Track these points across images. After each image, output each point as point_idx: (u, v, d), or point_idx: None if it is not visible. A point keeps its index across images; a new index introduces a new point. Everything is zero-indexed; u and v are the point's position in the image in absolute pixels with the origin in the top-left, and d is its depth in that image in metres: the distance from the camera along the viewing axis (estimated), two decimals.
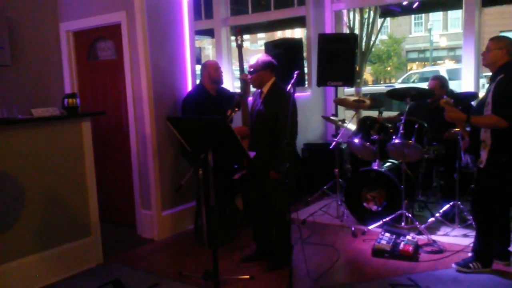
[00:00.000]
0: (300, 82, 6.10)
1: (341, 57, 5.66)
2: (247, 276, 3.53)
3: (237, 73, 4.97)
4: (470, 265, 3.50)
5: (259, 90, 3.67)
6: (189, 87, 4.66)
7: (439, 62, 26.71)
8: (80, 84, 5.03)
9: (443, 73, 13.82)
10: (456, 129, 4.04)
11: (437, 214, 4.41)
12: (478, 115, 3.46)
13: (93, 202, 3.89)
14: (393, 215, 4.33)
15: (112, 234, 4.52)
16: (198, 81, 4.54)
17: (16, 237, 3.38)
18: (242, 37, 4.63)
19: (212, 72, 4.33)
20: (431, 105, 4.81)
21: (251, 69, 3.59)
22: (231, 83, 6.82)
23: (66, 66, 5.01)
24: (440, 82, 4.81)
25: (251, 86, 4.42)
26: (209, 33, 7.62)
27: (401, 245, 3.85)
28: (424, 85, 5.50)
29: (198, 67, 4.83)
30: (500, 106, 3.27)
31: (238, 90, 4.25)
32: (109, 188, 4.83)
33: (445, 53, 28.87)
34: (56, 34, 4.98)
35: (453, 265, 3.57)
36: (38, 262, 3.51)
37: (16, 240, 3.39)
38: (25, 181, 3.42)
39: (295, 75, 3.22)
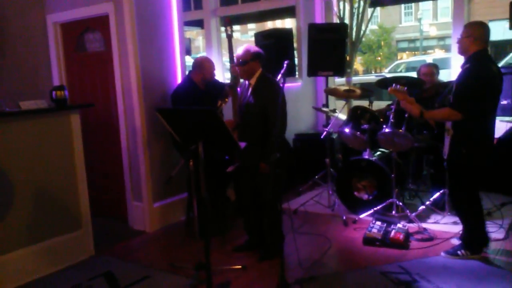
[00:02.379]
0: (290, 73, 6.09)
1: (331, 47, 5.66)
2: (239, 266, 3.54)
3: (227, 64, 4.94)
4: (459, 252, 3.54)
5: (247, 82, 3.65)
6: (179, 79, 4.63)
7: (429, 51, 26.76)
8: (68, 77, 4.98)
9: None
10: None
11: (428, 202, 4.45)
12: (443, 102, 3.46)
13: (84, 195, 3.88)
14: (384, 204, 4.36)
15: (103, 226, 4.50)
16: (187, 73, 4.51)
17: (6, 231, 3.36)
18: (232, 27, 4.60)
19: (207, 74, 4.29)
20: (422, 94, 4.82)
21: (241, 60, 3.55)
22: (221, 74, 6.79)
23: (54, 58, 4.96)
24: (435, 68, 4.82)
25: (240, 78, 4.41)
26: (199, 23, 7.56)
27: (392, 233, 3.88)
28: (412, 75, 5.51)
29: (188, 58, 4.80)
30: (457, 98, 3.28)
31: (228, 82, 4.23)
32: (99, 181, 4.81)
33: (435, 43, 28.94)
34: (43, 26, 4.92)
35: (442, 253, 3.60)
36: (30, 256, 3.50)
37: (7, 234, 3.37)
38: (14, 174, 3.40)
39: (285, 65, 3.21)
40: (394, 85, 3.64)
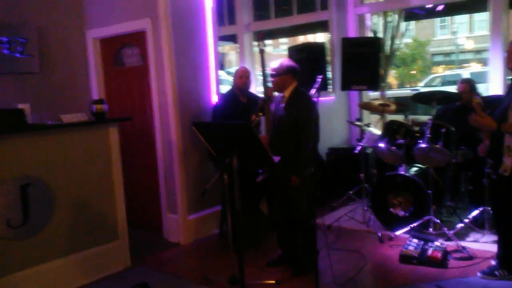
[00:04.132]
0: (323, 87, 6.07)
1: (365, 61, 5.62)
2: (273, 281, 3.52)
3: (260, 78, 4.98)
4: (496, 272, 3.41)
5: (281, 95, 3.67)
6: (213, 93, 4.70)
7: (465, 65, 26.18)
8: (107, 90, 5.12)
9: (467, 76, 13.57)
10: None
11: (466, 220, 4.32)
12: (502, 120, 3.32)
13: (121, 206, 3.95)
14: (421, 221, 4.26)
15: (139, 238, 4.56)
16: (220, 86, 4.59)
17: (46, 241, 3.46)
18: (264, 42, 4.65)
19: (236, 79, 4.38)
20: (459, 109, 4.73)
21: (274, 73, 3.60)
22: (254, 87, 6.83)
23: (93, 73, 5.11)
24: (469, 85, 4.72)
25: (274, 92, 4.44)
26: (232, 38, 7.67)
27: (429, 251, 3.79)
28: (447, 88, 5.41)
29: (221, 73, 4.87)
30: None
31: (262, 96, 4.27)
32: (136, 193, 4.89)
33: (472, 56, 28.32)
34: (83, 41, 5.10)
35: (478, 274, 3.47)
36: (67, 265, 3.58)
37: (46, 244, 3.46)
38: (54, 186, 3.50)
39: (318, 80, 3.21)
40: (478, 96, 3.55)
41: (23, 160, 3.33)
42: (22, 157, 3.32)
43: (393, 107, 4.82)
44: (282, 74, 3.57)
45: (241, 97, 4.37)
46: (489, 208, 4.21)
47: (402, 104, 4.98)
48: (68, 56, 5.01)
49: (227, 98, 4.38)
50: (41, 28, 4.73)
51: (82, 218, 3.68)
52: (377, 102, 4.95)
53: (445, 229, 4.13)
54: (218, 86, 4.77)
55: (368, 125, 4.99)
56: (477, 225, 4.33)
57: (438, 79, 17.86)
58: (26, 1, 4.66)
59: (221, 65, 6.39)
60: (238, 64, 7.27)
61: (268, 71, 3.72)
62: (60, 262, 3.54)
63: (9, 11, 4.54)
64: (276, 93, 3.75)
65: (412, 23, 25.42)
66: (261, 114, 4.10)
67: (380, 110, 4.92)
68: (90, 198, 3.74)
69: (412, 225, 4.27)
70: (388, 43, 12.70)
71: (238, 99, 4.34)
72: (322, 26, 7.06)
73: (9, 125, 3.27)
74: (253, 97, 4.59)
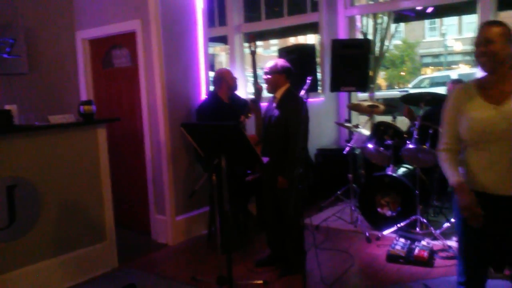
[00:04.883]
0: (313, 88, 6.10)
1: (354, 62, 5.67)
2: (261, 282, 3.53)
3: (251, 79, 5.00)
4: None
5: (273, 96, 3.70)
6: (203, 94, 4.70)
7: (453, 66, 26.44)
8: (95, 91, 5.11)
9: (456, 77, 13.69)
10: None
11: (452, 220, 4.37)
12: None
13: (109, 208, 3.94)
14: (408, 221, 4.30)
15: (127, 239, 4.55)
16: (211, 89, 4.58)
17: (32, 242, 3.44)
18: (255, 43, 4.67)
19: (230, 81, 4.38)
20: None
21: (267, 70, 3.64)
22: (244, 89, 6.85)
23: (82, 74, 5.10)
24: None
25: (263, 93, 4.46)
26: (223, 40, 7.68)
27: (416, 251, 3.83)
28: (436, 90, 5.46)
29: (211, 74, 4.87)
30: None
31: (251, 97, 4.29)
32: (124, 194, 4.88)
33: (460, 58, 28.57)
34: (72, 42, 5.08)
35: None
36: (54, 267, 3.56)
37: (33, 245, 3.44)
38: (41, 187, 3.48)
39: (308, 81, 3.23)
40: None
41: (10, 161, 3.31)
42: (8, 158, 3.30)
43: (381, 108, 4.86)
44: (275, 73, 3.61)
45: (225, 99, 4.37)
46: None
47: (390, 106, 5.01)
48: (57, 57, 4.98)
49: (211, 101, 4.37)
50: (30, 28, 4.70)
51: (70, 219, 3.67)
52: (366, 104, 4.98)
53: (432, 228, 4.18)
54: (208, 87, 4.77)
55: (356, 126, 5.02)
56: None
57: (426, 81, 18.01)
58: (15, 1, 4.63)
59: (211, 66, 6.37)
60: (228, 65, 7.28)
61: (262, 70, 3.76)
62: (47, 264, 3.52)
63: None
64: (265, 88, 3.76)
65: (402, 25, 25.58)
66: (250, 115, 4.13)
67: (369, 111, 4.95)
68: (77, 199, 3.73)
69: (399, 225, 4.32)
70: (377, 44, 12.79)
71: (222, 100, 4.34)
72: (312, 28, 7.10)
73: None
74: (239, 99, 4.60)
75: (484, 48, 2.13)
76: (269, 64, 3.66)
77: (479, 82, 2.26)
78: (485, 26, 2.16)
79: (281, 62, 3.68)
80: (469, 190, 2.16)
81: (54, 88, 4.93)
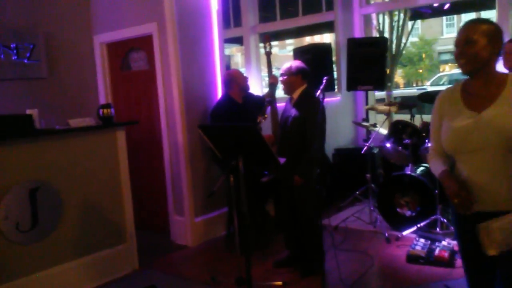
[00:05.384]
0: (329, 87, 6.08)
1: (371, 61, 5.63)
2: (280, 283, 3.53)
3: (266, 80, 5.00)
4: None
5: (290, 97, 3.71)
6: (219, 95, 4.71)
7: None
8: (114, 95, 5.16)
9: None
10: None
11: None
12: None
13: (129, 210, 3.98)
14: (428, 221, 4.25)
15: (146, 240, 4.59)
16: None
17: (54, 244, 3.49)
18: (270, 44, 4.67)
19: (241, 82, 4.38)
20: None
21: (283, 72, 3.67)
22: (260, 89, 6.85)
23: (100, 77, 5.16)
24: None
25: (277, 91, 4.46)
26: (238, 40, 7.70)
27: (437, 251, 3.78)
28: None
29: None
30: None
31: (267, 98, 4.29)
32: (143, 196, 4.93)
33: None
34: (90, 46, 5.14)
35: None
36: (76, 269, 3.61)
37: (55, 247, 3.49)
38: (63, 189, 3.53)
39: (324, 81, 3.23)
40: None
41: (32, 164, 3.37)
42: (30, 161, 3.36)
43: (399, 107, 4.82)
44: (290, 75, 3.64)
45: (238, 99, 4.38)
46: None
47: (405, 105, 4.96)
48: (75, 61, 5.05)
49: (225, 102, 4.37)
50: (49, 33, 4.78)
51: (90, 221, 3.72)
52: (382, 107, 4.94)
53: (452, 228, 4.12)
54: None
55: (374, 125, 4.98)
56: None
57: (445, 78, 17.79)
58: (34, 6, 4.71)
59: (227, 67, 6.39)
60: (244, 66, 7.30)
61: (277, 70, 3.77)
62: (68, 266, 3.57)
63: (16, 16, 4.60)
64: (280, 81, 3.77)
65: (418, 22, 25.30)
66: (266, 116, 4.13)
67: (386, 110, 4.91)
68: (98, 202, 3.78)
69: (419, 225, 4.27)
70: (394, 42, 12.68)
71: (235, 101, 4.35)
72: (328, 27, 7.08)
73: (18, 131, 3.31)
74: (254, 97, 4.61)
75: (462, 49, 1.94)
76: (285, 66, 3.68)
77: (463, 86, 2.05)
78: (466, 25, 1.98)
79: (296, 63, 3.69)
80: (455, 177, 1.99)
81: (73, 91, 5.00)
